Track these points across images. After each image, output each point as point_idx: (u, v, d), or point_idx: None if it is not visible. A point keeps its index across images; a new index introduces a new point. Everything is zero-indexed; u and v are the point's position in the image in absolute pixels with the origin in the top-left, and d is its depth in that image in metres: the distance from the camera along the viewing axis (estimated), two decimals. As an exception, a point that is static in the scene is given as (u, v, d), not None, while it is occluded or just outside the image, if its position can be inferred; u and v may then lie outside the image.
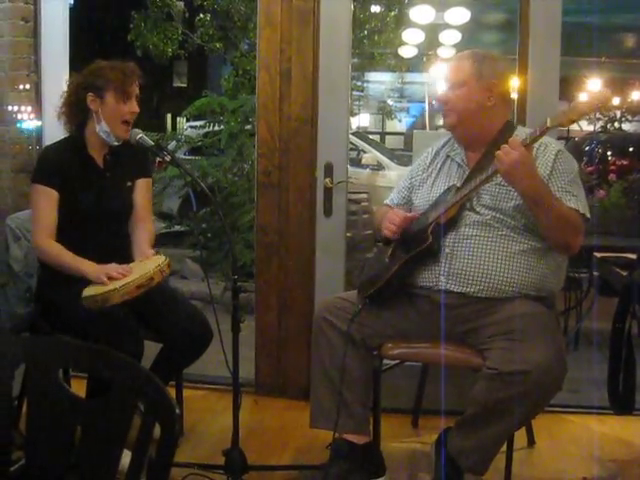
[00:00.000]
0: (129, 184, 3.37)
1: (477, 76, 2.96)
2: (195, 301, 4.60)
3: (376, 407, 3.11)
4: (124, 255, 3.24)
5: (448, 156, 3.14)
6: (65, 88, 3.34)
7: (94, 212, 3.23)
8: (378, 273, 3.06)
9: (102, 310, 2.92)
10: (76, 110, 3.27)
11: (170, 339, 3.24)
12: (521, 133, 2.98)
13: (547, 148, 2.91)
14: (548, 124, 2.62)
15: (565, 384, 2.74)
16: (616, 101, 12.62)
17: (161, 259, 3.03)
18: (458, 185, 2.98)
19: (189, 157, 7.92)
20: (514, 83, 3.64)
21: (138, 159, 3.38)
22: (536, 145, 2.84)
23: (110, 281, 2.95)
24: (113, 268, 3.01)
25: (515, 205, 2.87)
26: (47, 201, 3.19)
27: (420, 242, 2.93)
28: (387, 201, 3.34)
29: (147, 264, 3.03)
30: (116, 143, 3.26)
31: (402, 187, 3.30)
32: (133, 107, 3.25)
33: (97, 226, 3.22)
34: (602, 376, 3.22)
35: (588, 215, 2.87)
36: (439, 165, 3.16)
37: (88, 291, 2.95)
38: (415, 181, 3.24)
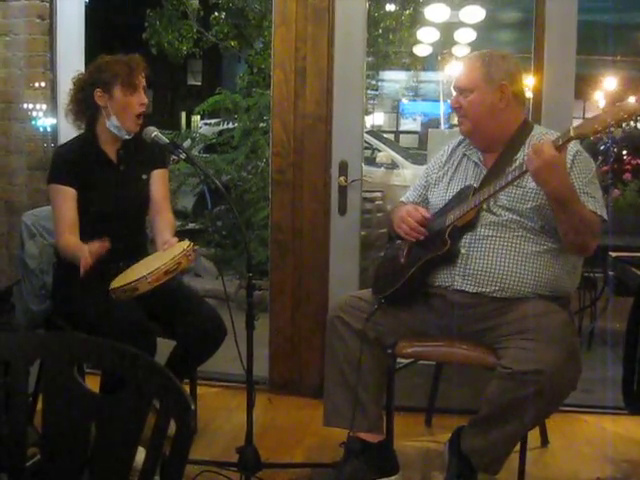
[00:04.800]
0: (144, 177, 3.37)
1: (486, 79, 2.94)
2: (209, 299, 4.59)
3: (390, 405, 3.11)
4: (143, 249, 3.26)
5: (465, 155, 3.13)
6: (71, 86, 3.35)
7: (110, 207, 3.24)
8: (394, 274, 3.05)
9: (131, 299, 2.90)
10: (84, 107, 3.28)
11: (184, 337, 3.25)
12: (538, 133, 2.97)
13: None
14: (572, 134, 2.56)
15: (579, 384, 2.73)
16: (632, 100, 12.55)
17: (186, 243, 3.00)
18: (475, 185, 2.97)
19: (204, 155, 7.92)
20: (526, 81, 3.61)
21: (152, 152, 3.38)
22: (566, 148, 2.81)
23: (92, 258, 2.90)
24: (90, 247, 2.93)
25: (532, 207, 2.85)
26: (65, 200, 3.20)
27: (438, 245, 2.92)
28: (403, 199, 3.33)
29: (173, 250, 3.01)
30: (127, 137, 3.27)
31: (418, 185, 3.30)
32: (141, 98, 3.25)
33: (115, 221, 3.23)
34: (616, 376, 3.20)
35: (605, 217, 2.85)
36: (455, 164, 3.15)
37: (115, 282, 2.94)
38: (431, 179, 3.23)
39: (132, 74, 3.22)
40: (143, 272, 2.88)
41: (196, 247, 3.01)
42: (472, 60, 3.04)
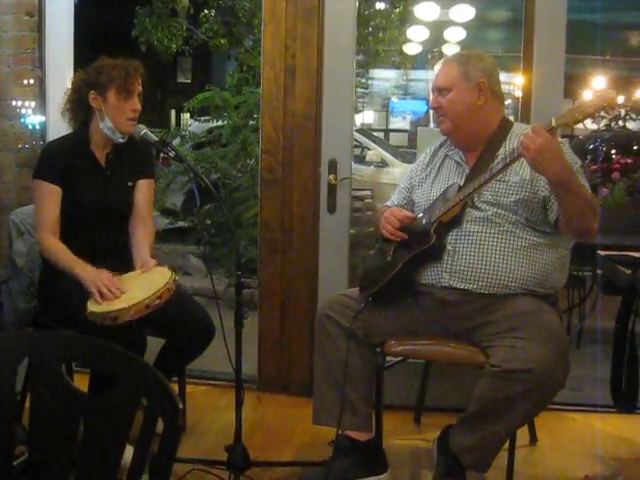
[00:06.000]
0: (130, 184, 3.35)
1: (464, 78, 2.97)
2: (198, 297, 4.58)
3: (379, 404, 3.11)
4: (123, 254, 3.22)
5: (447, 156, 3.15)
6: (69, 85, 3.34)
7: (94, 210, 3.22)
8: (381, 271, 3.05)
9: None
10: (79, 107, 3.27)
11: (173, 335, 3.24)
12: (519, 129, 2.99)
13: None
14: (553, 124, 2.59)
15: (568, 382, 2.74)
16: (621, 99, 12.59)
17: (167, 275, 2.96)
18: (460, 183, 2.98)
19: (197, 151, 7.90)
20: (515, 79, 3.62)
21: (140, 159, 3.37)
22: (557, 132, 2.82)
23: (104, 300, 2.90)
24: (106, 281, 2.94)
25: (516, 200, 2.87)
26: (49, 197, 3.18)
27: (424, 241, 2.93)
28: (388, 203, 3.35)
29: (153, 278, 2.98)
30: (121, 140, 3.26)
31: (402, 188, 3.31)
32: (135, 104, 3.24)
33: (97, 224, 3.21)
34: (605, 374, 3.22)
35: None
36: (438, 164, 3.16)
37: (95, 307, 2.90)
38: (414, 181, 3.24)
39: (128, 80, 3.20)
40: (125, 303, 2.84)
41: (177, 278, 2.99)
42: (449, 60, 3.09)
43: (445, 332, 2.99)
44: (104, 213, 3.24)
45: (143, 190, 3.38)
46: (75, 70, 3.54)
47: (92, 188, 3.24)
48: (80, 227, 3.19)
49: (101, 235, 3.22)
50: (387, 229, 3.03)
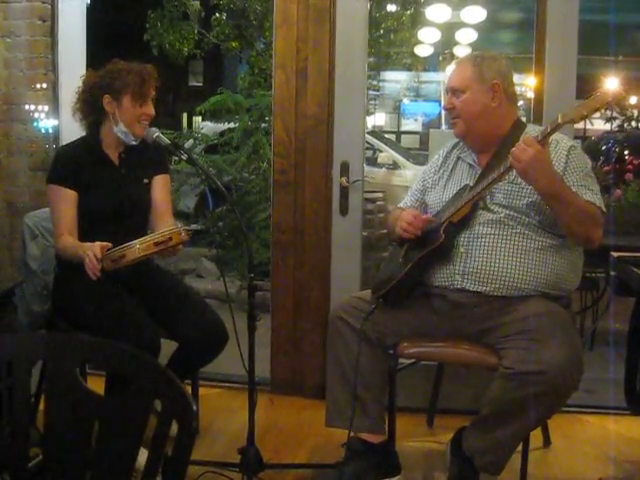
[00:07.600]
0: (146, 181, 3.37)
1: (478, 79, 2.97)
2: (211, 300, 4.61)
3: (391, 406, 3.11)
4: None
5: (459, 158, 3.15)
6: (80, 84, 3.34)
7: (112, 209, 3.23)
8: (391, 273, 3.05)
9: (119, 270, 2.87)
10: (91, 108, 3.28)
11: (185, 341, 3.24)
12: (532, 131, 2.98)
13: (559, 144, 2.91)
14: (559, 120, 2.61)
15: (581, 384, 2.72)
16: (633, 100, 12.53)
17: (179, 226, 3.00)
18: (471, 184, 2.98)
19: (211, 156, 7.90)
20: (527, 81, 3.61)
21: (154, 156, 3.38)
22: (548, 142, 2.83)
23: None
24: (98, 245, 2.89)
25: (528, 202, 2.86)
26: (64, 201, 3.20)
27: (433, 241, 2.93)
28: (401, 204, 3.34)
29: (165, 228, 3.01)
30: (134, 142, 3.28)
31: (415, 190, 3.31)
32: (149, 110, 3.26)
33: (116, 223, 3.22)
34: (619, 376, 3.20)
35: (604, 209, 2.87)
36: (450, 167, 3.16)
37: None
38: (427, 183, 3.24)
39: (144, 86, 3.22)
40: (134, 241, 2.86)
41: (189, 230, 3.01)
42: (463, 61, 3.09)
43: (458, 334, 2.99)
44: (122, 212, 3.25)
45: (159, 186, 3.40)
46: (87, 70, 3.52)
47: (108, 188, 3.25)
48: (99, 228, 3.19)
49: (120, 233, 3.21)
50: (402, 226, 3.02)
